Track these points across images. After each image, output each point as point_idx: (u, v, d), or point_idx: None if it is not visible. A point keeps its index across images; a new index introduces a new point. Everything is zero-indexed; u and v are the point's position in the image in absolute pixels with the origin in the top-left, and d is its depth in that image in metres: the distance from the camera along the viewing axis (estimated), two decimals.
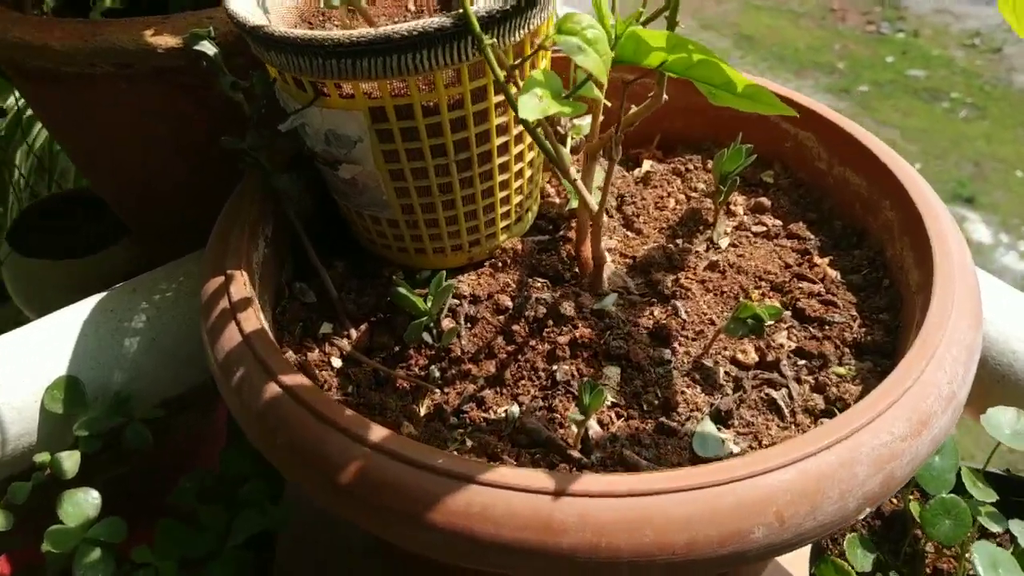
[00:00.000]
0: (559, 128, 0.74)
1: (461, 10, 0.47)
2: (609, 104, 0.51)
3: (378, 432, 0.44)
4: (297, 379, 0.47)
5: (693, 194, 0.71)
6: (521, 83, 0.47)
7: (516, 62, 0.51)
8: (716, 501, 0.40)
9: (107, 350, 0.66)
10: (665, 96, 0.53)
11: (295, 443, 0.45)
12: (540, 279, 0.62)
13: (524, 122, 0.48)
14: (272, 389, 0.47)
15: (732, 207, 0.69)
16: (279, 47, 0.50)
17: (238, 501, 0.63)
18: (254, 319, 0.51)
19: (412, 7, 0.68)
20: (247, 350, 0.49)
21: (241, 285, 0.53)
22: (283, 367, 0.48)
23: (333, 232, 0.67)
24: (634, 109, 0.55)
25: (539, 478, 0.41)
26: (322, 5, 0.66)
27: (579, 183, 0.51)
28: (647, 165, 0.75)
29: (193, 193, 0.76)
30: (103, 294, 0.69)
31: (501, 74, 0.47)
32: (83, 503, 0.58)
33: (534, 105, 0.43)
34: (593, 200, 0.54)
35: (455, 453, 0.50)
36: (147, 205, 0.85)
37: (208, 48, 0.59)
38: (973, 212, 2.18)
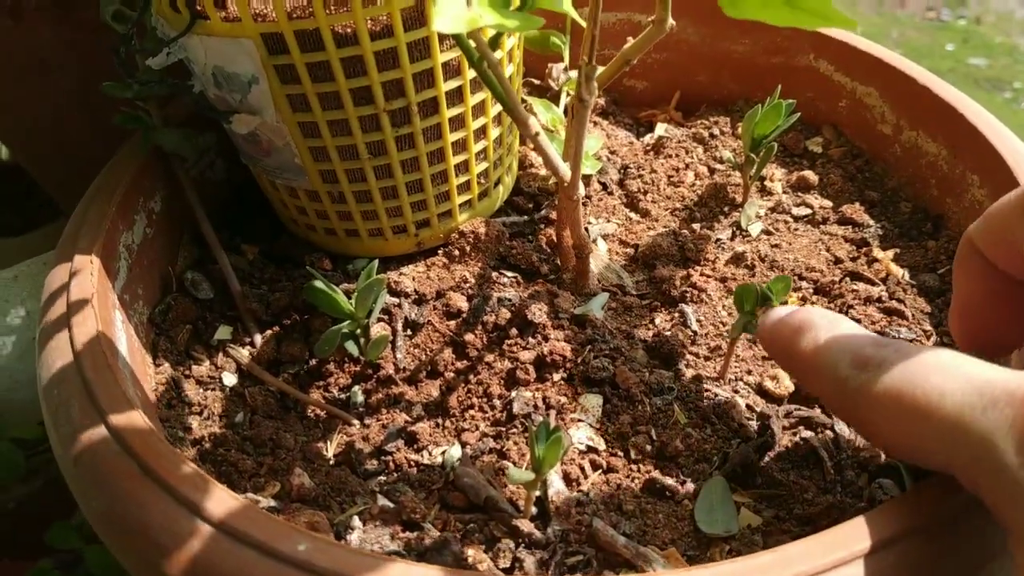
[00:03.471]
0: (551, 81, 0.59)
1: None
2: (594, 31, 0.37)
3: (221, 500, 0.30)
4: (128, 414, 0.33)
5: (718, 166, 0.56)
6: None
7: None
8: None
9: None
10: (672, 22, 0.38)
11: (113, 506, 0.31)
12: (509, 273, 0.48)
13: (459, 40, 0.34)
14: (94, 426, 0.33)
15: (767, 183, 0.54)
16: None
17: None
18: (91, 324, 0.37)
19: None
20: (74, 368, 0.36)
21: (87, 277, 0.39)
22: (113, 394, 0.34)
23: (255, 210, 0.53)
24: (631, 41, 0.41)
25: None
26: None
27: (542, 138, 0.36)
28: (661, 129, 0.59)
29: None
30: None
31: None
32: None
33: (456, 12, 0.28)
34: (564, 166, 0.39)
35: (356, 520, 0.35)
36: (71, 174, 0.72)
37: None
38: None
